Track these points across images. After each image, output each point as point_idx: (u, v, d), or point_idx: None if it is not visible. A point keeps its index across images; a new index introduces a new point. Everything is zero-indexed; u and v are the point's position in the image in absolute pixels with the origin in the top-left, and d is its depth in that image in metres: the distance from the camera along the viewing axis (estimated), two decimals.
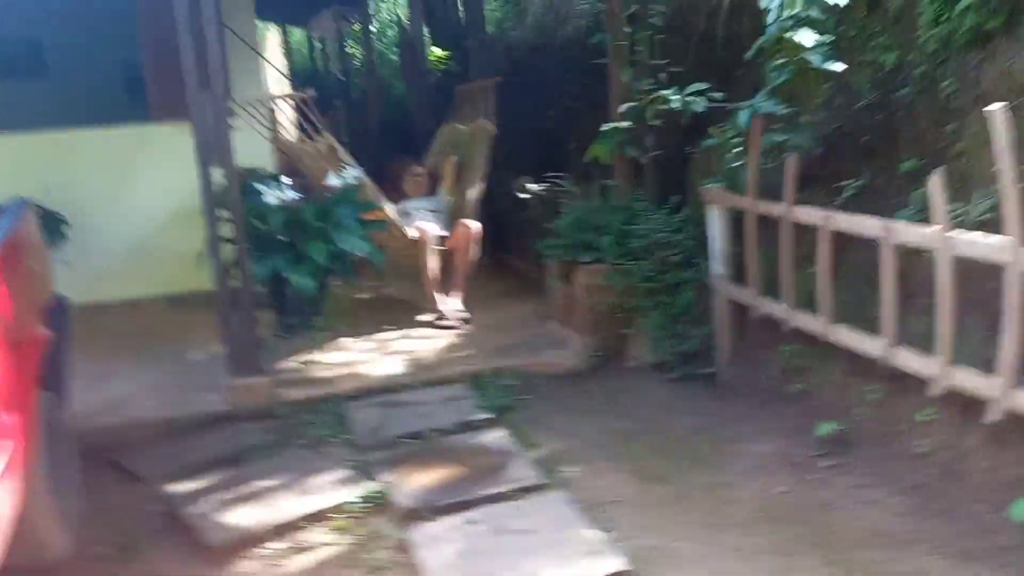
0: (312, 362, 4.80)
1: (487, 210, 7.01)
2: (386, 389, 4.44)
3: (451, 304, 5.63)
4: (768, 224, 3.99)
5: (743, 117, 3.89)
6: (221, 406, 4.26)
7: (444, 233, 5.89)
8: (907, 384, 3.23)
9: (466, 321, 5.51)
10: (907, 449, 3.22)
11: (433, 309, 5.56)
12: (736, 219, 4.27)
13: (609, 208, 4.82)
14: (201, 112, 4.11)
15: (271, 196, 4.41)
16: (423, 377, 4.54)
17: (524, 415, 4.12)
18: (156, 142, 6.06)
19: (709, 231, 4.31)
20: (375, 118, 12.81)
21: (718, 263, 4.28)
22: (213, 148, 4.14)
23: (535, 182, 6.47)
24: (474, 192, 6.12)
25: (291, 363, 4.78)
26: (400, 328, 5.49)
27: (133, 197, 6.14)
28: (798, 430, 3.63)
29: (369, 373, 4.63)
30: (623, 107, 4.62)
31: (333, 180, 4.76)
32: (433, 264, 5.58)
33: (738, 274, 4.29)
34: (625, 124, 4.56)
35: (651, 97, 4.27)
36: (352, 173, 5.17)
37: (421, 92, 8.95)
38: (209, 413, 4.20)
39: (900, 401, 3.31)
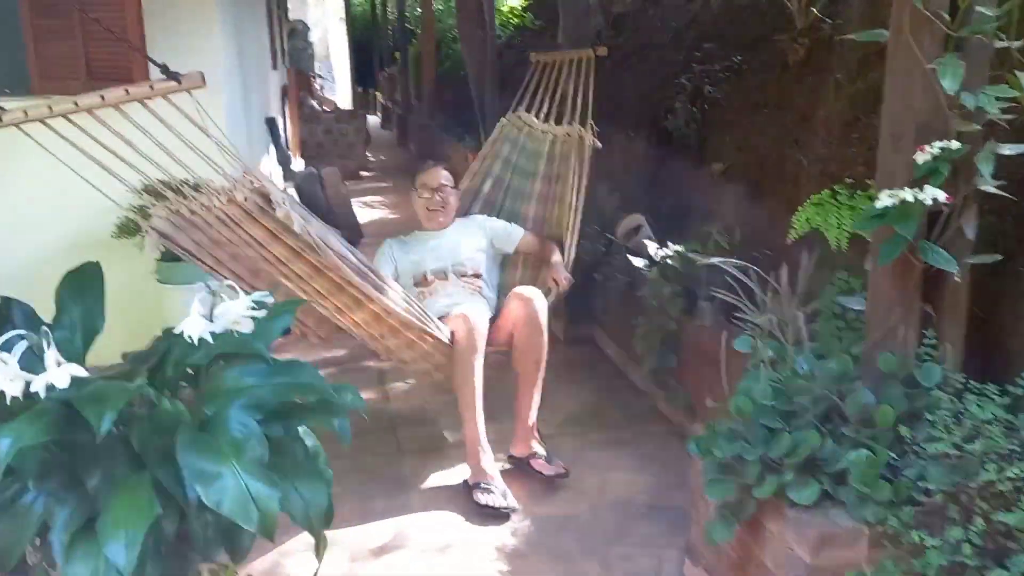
0: None
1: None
2: None
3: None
4: None
5: None
6: None
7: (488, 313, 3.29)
8: None
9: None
10: None
11: (474, 469, 2.99)
12: None
13: (848, 370, 2.13)
14: None
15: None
16: None
17: None
18: None
19: None
20: (430, 84, 10.20)
21: None
22: None
23: (652, 226, 3.81)
24: (568, 250, 3.60)
25: None
26: (407, 508, 2.95)
27: None
28: None
29: None
30: (931, 148, 1.88)
31: (196, 309, 1.82)
32: (477, 383, 2.98)
33: None
34: (932, 196, 1.85)
35: None
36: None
37: (479, 56, 6.33)
38: None
39: None
